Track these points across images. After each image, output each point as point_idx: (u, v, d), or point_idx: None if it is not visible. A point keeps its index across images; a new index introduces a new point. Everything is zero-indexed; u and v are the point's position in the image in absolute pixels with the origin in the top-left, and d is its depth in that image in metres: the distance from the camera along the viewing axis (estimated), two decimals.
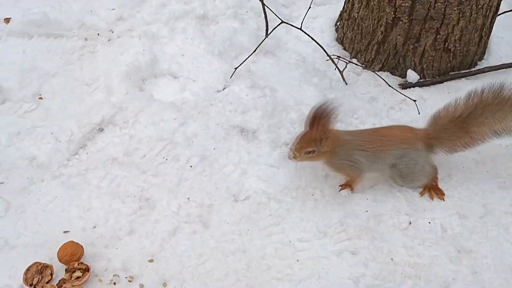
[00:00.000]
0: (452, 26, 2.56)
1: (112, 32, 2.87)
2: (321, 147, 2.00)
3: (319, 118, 1.96)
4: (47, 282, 1.85)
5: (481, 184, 2.21)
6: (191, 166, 2.27)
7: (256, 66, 2.69)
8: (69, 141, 2.32)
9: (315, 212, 2.11)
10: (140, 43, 2.76)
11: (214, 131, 2.39)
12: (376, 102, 2.62)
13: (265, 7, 2.61)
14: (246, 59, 2.61)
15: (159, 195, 2.16)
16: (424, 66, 2.70)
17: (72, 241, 1.94)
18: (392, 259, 1.96)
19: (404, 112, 2.57)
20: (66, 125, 2.38)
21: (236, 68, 2.60)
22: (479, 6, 2.53)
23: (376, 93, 2.66)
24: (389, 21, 2.61)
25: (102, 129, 2.41)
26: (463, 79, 2.73)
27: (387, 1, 2.56)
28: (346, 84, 2.69)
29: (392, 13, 2.57)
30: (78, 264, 1.89)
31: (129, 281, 1.89)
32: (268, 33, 2.64)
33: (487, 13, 2.61)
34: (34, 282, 1.85)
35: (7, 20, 2.92)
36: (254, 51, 2.62)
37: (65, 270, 1.89)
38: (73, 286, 1.82)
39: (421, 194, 2.17)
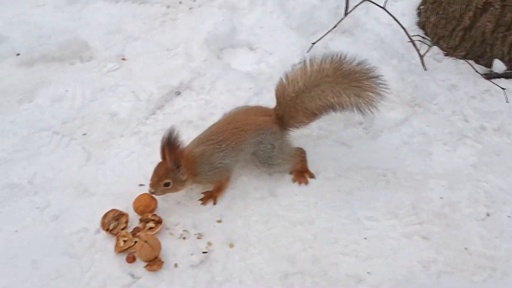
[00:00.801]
0: None
1: (194, 1, 2.93)
2: (180, 176, 1.90)
3: (169, 148, 1.85)
4: (122, 229, 1.93)
5: None
6: None
7: (334, 43, 2.66)
8: (148, 100, 2.41)
9: (386, 193, 2.07)
10: (220, 13, 2.81)
11: None
12: (456, 90, 2.52)
13: None
14: (325, 34, 2.59)
15: None
16: None
17: (147, 194, 2.01)
18: (466, 248, 1.90)
19: (486, 102, 2.46)
20: (146, 86, 2.47)
21: (314, 43, 2.59)
22: None
23: (457, 80, 2.56)
24: (479, 6, 2.48)
25: (180, 92, 2.48)
26: None
27: None
28: (426, 70, 2.60)
29: None
30: (151, 216, 1.96)
31: (198, 238, 1.94)
32: (349, 10, 2.60)
33: None
34: (111, 228, 1.93)
35: None
36: (335, 26, 2.60)
37: (139, 220, 1.97)
38: (146, 235, 1.89)
39: (293, 180, 2.10)
